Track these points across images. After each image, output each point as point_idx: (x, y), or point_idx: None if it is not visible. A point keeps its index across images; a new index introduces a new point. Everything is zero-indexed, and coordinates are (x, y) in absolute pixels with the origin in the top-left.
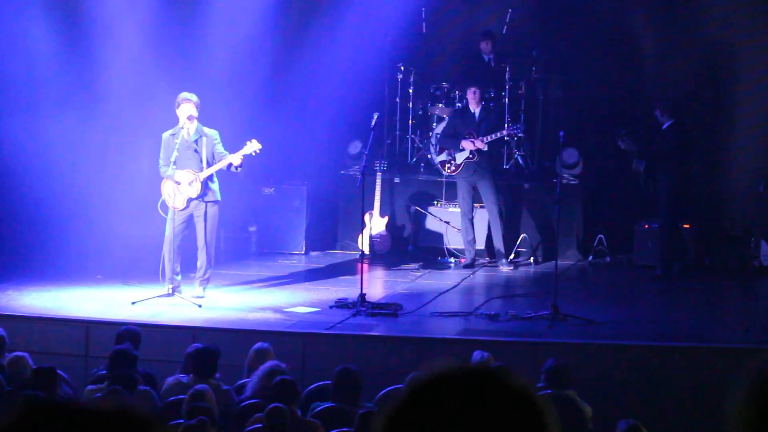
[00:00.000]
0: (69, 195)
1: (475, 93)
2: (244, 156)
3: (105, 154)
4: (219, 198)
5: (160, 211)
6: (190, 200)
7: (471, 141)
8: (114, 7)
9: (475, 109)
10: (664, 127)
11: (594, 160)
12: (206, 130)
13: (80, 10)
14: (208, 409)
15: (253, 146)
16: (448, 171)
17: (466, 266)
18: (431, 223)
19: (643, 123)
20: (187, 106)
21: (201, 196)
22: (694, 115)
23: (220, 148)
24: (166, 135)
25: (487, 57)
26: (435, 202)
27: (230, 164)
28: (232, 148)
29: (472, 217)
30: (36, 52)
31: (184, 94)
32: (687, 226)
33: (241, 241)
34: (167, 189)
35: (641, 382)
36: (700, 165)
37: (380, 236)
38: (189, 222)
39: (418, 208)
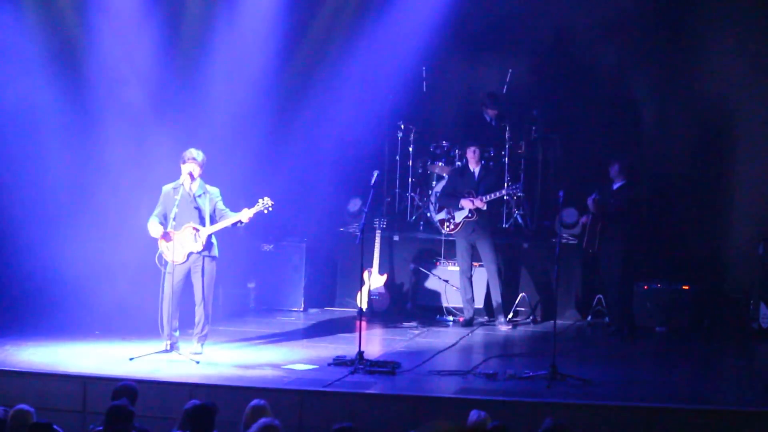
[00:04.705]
0: (67, 249)
1: (474, 152)
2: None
3: (105, 210)
4: (217, 254)
5: (157, 264)
6: (189, 254)
7: (470, 200)
8: (115, 62)
9: (474, 168)
10: (615, 187)
11: None
12: (209, 187)
13: (81, 65)
14: None
15: (265, 203)
16: (447, 229)
17: (464, 325)
18: (430, 282)
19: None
20: (190, 165)
21: (201, 252)
22: (694, 175)
23: (221, 205)
24: (167, 188)
25: (489, 117)
26: (434, 261)
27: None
28: (233, 204)
29: (471, 276)
30: (37, 108)
31: (192, 152)
32: (686, 287)
33: (239, 297)
34: (165, 241)
35: None
36: (699, 226)
37: (379, 294)
38: (187, 277)
39: (417, 266)
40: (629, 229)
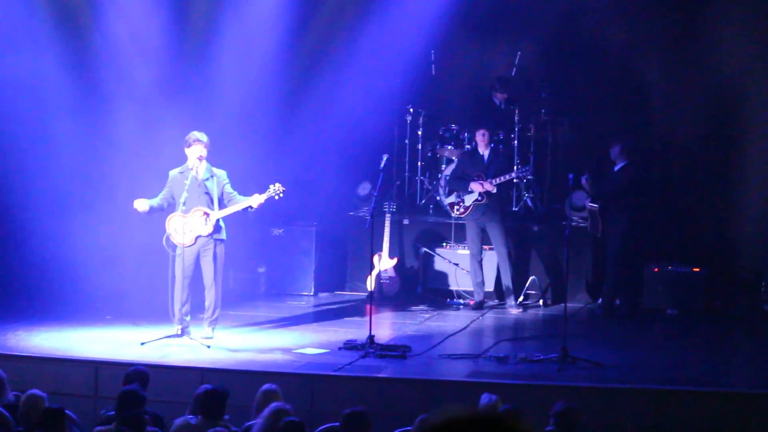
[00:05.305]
0: (77, 234)
1: (484, 135)
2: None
3: (114, 194)
4: (225, 237)
5: (165, 246)
6: (197, 237)
7: (480, 183)
8: (124, 45)
9: (484, 151)
10: (616, 168)
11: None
12: (215, 170)
13: (89, 47)
14: None
15: (276, 189)
16: (457, 213)
17: (474, 308)
18: (440, 265)
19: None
20: (198, 147)
21: (211, 235)
22: (705, 157)
23: (229, 188)
24: (173, 172)
25: (498, 101)
26: (444, 244)
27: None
28: (241, 189)
29: (481, 259)
30: (44, 90)
31: (196, 134)
32: (697, 269)
33: (250, 281)
34: (173, 224)
35: (651, 426)
36: (711, 208)
37: (389, 278)
38: (196, 261)
39: (427, 249)
40: (631, 210)
